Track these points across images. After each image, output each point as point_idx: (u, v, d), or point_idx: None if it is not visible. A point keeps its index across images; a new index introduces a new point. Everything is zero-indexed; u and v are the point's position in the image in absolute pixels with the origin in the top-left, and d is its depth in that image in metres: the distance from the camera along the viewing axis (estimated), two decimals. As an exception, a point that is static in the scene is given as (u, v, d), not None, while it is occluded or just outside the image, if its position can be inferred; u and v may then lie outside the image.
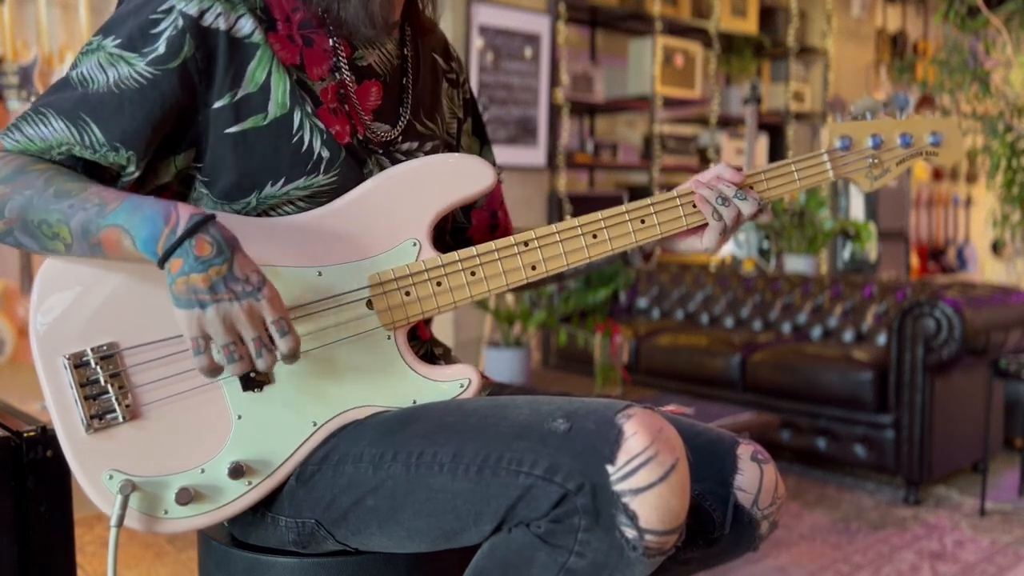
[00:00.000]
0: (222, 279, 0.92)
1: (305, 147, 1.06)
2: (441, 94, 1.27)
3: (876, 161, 1.22)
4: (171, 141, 1.05)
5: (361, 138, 1.12)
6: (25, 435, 1.19)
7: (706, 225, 1.18)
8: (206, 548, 1.16)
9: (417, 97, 1.21)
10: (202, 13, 1.01)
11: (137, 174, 1.04)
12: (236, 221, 1.05)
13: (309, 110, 1.06)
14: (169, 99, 1.01)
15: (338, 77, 1.11)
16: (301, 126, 1.06)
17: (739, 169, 1.19)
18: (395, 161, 1.14)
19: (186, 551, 2.59)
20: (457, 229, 1.33)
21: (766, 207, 1.18)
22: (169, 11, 1.01)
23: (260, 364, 0.94)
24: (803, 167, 1.20)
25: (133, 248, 0.94)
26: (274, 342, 0.94)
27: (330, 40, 1.11)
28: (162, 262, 0.93)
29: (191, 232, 0.92)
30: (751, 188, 1.18)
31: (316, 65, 1.09)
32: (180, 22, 1.00)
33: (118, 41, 1.01)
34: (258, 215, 1.07)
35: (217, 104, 1.03)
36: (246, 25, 1.03)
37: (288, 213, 1.08)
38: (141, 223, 0.93)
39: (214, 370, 0.94)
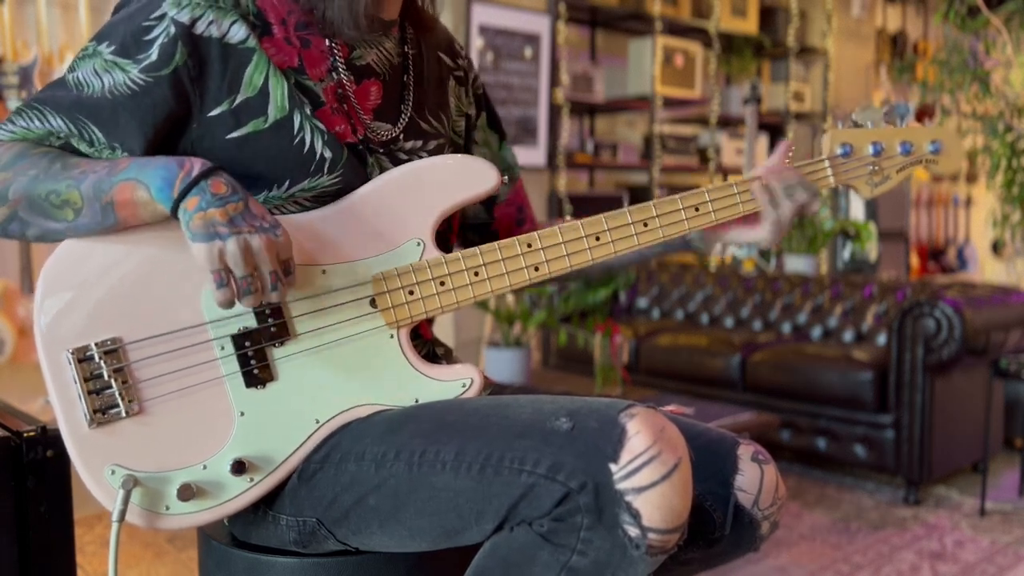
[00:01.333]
0: (240, 214, 0.94)
1: (307, 148, 1.06)
2: (448, 92, 1.26)
3: (876, 168, 1.23)
4: (166, 149, 1.05)
5: (361, 137, 1.12)
6: (25, 435, 1.19)
7: (748, 217, 1.18)
8: (206, 548, 1.16)
9: (420, 95, 1.20)
10: (194, 21, 1.01)
11: None
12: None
13: (308, 111, 1.06)
14: (161, 106, 1.02)
15: (335, 77, 1.11)
16: (301, 127, 1.06)
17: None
18: (397, 160, 1.14)
19: (186, 551, 2.59)
20: (480, 225, 1.33)
21: (819, 194, 1.19)
22: (161, 18, 1.01)
23: (275, 296, 0.96)
24: (805, 173, 1.21)
25: (148, 197, 0.96)
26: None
27: (326, 40, 1.11)
28: (176, 204, 0.94)
29: (206, 174, 0.95)
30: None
31: (315, 66, 1.09)
32: (172, 29, 1.01)
33: (113, 48, 1.02)
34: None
35: (215, 111, 1.04)
36: (239, 31, 1.04)
37: (293, 212, 1.08)
38: (155, 172, 0.96)
39: (232, 302, 0.96)
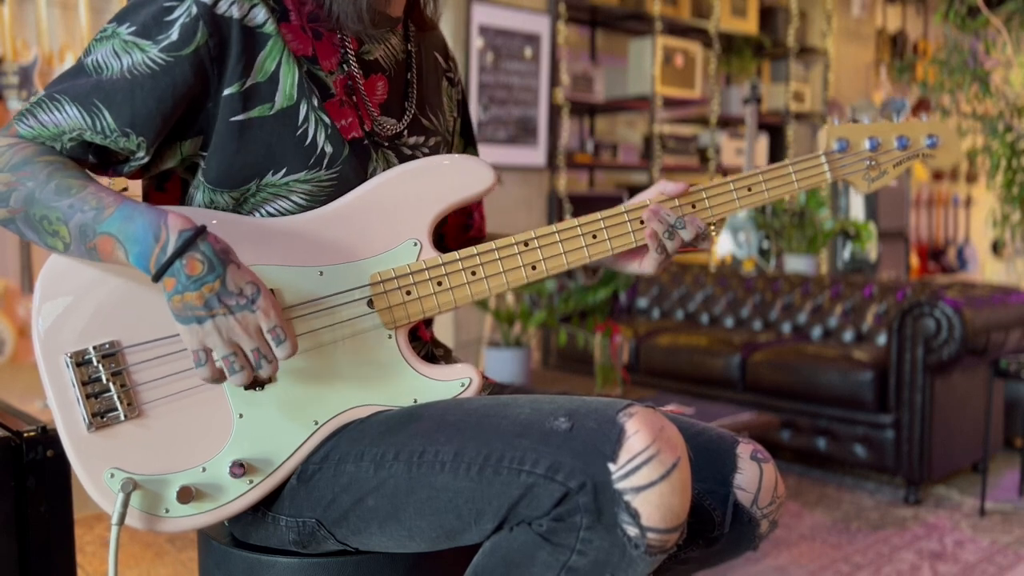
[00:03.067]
0: (215, 295, 0.93)
1: (308, 140, 1.06)
2: (442, 92, 1.27)
3: (873, 163, 1.23)
4: (179, 127, 1.05)
5: (368, 131, 1.12)
6: (25, 435, 1.19)
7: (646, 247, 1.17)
8: (206, 548, 1.16)
9: (422, 92, 1.21)
10: (216, 1, 1.01)
11: (146, 159, 1.05)
12: (238, 221, 1.05)
13: (316, 103, 1.07)
14: (181, 86, 1.02)
15: (346, 70, 1.11)
16: (306, 119, 1.06)
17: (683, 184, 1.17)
18: (401, 155, 1.15)
19: (186, 551, 2.59)
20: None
21: (706, 234, 1.16)
22: None
23: (263, 373, 0.96)
24: (801, 168, 1.21)
25: (126, 260, 0.95)
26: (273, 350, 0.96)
27: (336, 34, 1.11)
28: (155, 279, 0.94)
29: (180, 252, 0.93)
30: (692, 207, 1.16)
31: (327, 57, 1.10)
32: (194, 9, 1.01)
33: (132, 28, 1.02)
34: (257, 206, 1.07)
35: (227, 91, 1.04)
36: (259, 14, 1.04)
37: (288, 210, 1.08)
38: (133, 238, 0.94)
39: (218, 379, 0.96)
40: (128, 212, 0.96)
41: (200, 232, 0.94)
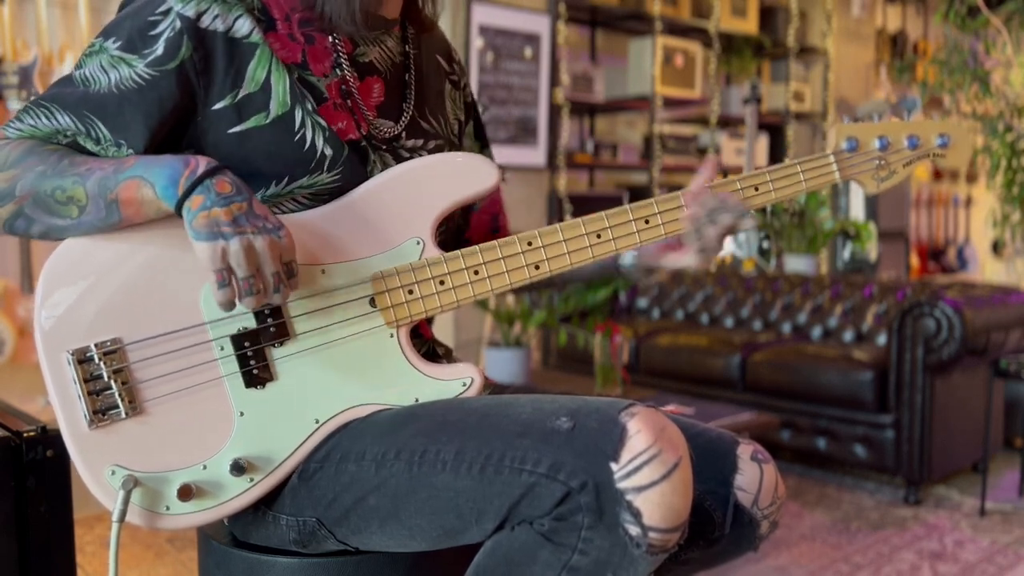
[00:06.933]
0: (244, 214, 0.94)
1: (308, 145, 1.06)
2: (445, 95, 1.27)
3: (883, 163, 1.21)
4: (170, 142, 1.05)
5: (365, 134, 1.12)
6: (25, 435, 1.19)
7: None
8: (206, 548, 1.16)
9: (421, 95, 1.21)
10: (199, 15, 1.02)
11: None
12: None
13: (310, 107, 1.07)
14: (167, 100, 1.02)
15: (339, 73, 1.11)
16: (303, 124, 1.06)
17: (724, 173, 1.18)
18: (399, 157, 1.14)
19: (186, 551, 2.59)
20: (455, 231, 1.33)
21: (746, 214, 1.16)
22: (167, 13, 1.02)
23: (277, 298, 0.96)
24: (809, 168, 1.19)
25: (152, 195, 0.96)
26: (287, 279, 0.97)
27: (330, 37, 1.11)
28: (181, 202, 0.94)
29: (211, 173, 0.95)
30: (730, 194, 1.15)
31: (319, 62, 1.10)
32: (178, 24, 1.01)
33: (119, 43, 1.03)
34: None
35: (218, 105, 1.04)
36: (244, 26, 1.04)
37: (292, 210, 1.08)
38: (160, 170, 0.96)
39: (232, 301, 0.96)
40: (152, 157, 0.99)
41: (226, 166, 0.97)
